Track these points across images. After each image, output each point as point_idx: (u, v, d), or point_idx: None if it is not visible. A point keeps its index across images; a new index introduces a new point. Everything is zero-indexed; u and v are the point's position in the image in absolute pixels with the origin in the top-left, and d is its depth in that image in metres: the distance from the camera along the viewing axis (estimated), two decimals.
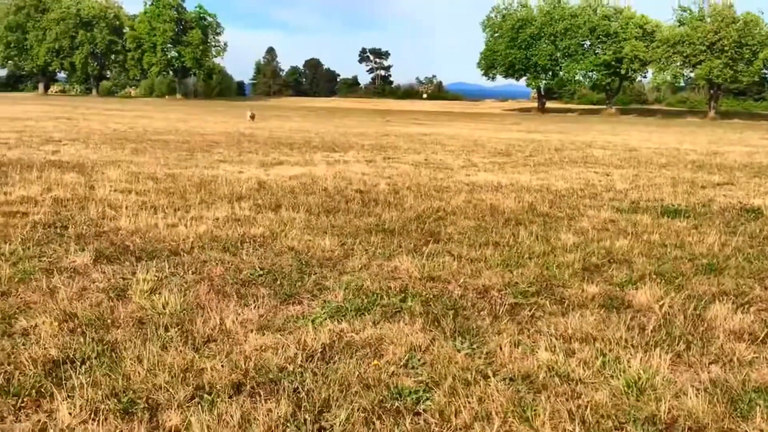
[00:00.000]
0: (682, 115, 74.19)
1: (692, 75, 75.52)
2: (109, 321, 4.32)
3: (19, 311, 4.43)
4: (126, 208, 8.07)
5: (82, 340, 3.96)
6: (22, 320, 4.25)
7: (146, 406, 3.23)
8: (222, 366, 3.66)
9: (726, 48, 69.64)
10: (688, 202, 10.44)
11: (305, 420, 3.15)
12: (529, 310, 4.84)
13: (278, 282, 5.34)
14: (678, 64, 73.60)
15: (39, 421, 3.08)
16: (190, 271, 5.50)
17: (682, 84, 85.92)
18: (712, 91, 74.88)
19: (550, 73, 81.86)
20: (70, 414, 3.11)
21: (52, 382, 3.40)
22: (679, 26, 74.59)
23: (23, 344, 3.88)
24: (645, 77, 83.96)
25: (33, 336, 4.02)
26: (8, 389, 3.33)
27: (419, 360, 3.88)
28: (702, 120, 66.63)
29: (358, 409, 3.25)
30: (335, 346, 4.04)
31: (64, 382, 3.42)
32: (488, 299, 5.08)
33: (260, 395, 3.37)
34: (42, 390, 3.34)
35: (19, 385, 3.37)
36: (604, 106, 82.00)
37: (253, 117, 33.58)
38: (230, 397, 3.35)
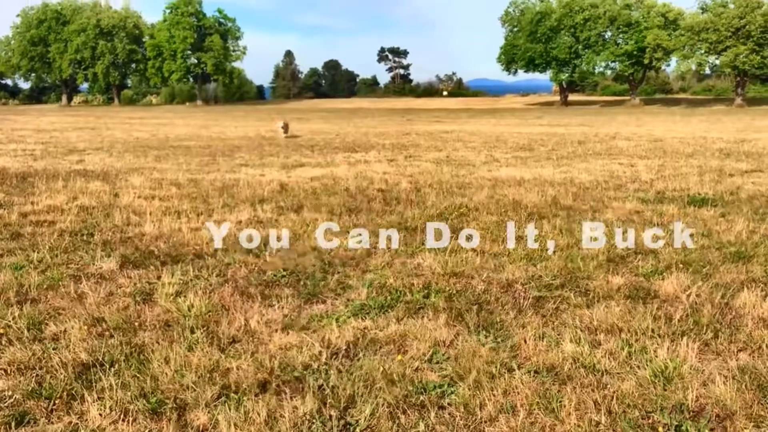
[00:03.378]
0: (709, 104, 73.10)
1: (717, 62, 74.23)
2: (136, 324, 4.39)
3: (48, 317, 4.51)
4: (150, 213, 8.17)
5: (110, 343, 4.02)
6: (52, 326, 4.33)
7: (174, 405, 3.27)
8: (247, 365, 3.70)
9: (752, 34, 68.35)
10: (715, 190, 10.29)
11: (331, 416, 3.17)
12: (554, 303, 4.81)
13: (302, 282, 5.38)
14: (702, 51, 72.45)
15: (70, 422, 3.13)
16: (214, 274, 5.56)
17: (708, 72, 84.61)
18: (738, 78, 73.56)
19: (573, 65, 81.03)
20: (100, 415, 3.17)
21: (82, 385, 3.46)
22: (702, 13, 73.47)
23: (53, 349, 3.95)
24: (669, 66, 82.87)
25: (63, 341, 4.09)
26: (40, 392, 3.39)
27: (443, 355, 3.89)
28: (728, 107, 65.55)
29: (383, 404, 3.26)
30: (359, 343, 4.06)
31: (94, 384, 3.48)
32: (512, 293, 5.07)
33: (286, 393, 3.39)
34: (73, 392, 3.40)
35: (50, 388, 3.43)
36: (628, 97, 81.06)
37: (286, 128, 23.88)
38: (256, 395, 3.38)
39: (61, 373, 3.59)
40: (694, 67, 75.62)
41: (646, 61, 76.81)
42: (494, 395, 3.36)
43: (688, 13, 75.58)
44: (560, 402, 3.28)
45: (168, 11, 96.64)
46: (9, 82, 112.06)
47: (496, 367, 3.68)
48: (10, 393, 3.40)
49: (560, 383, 3.51)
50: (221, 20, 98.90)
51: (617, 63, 79.13)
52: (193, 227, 7.38)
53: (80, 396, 3.36)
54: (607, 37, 79.38)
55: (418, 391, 3.42)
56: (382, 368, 3.65)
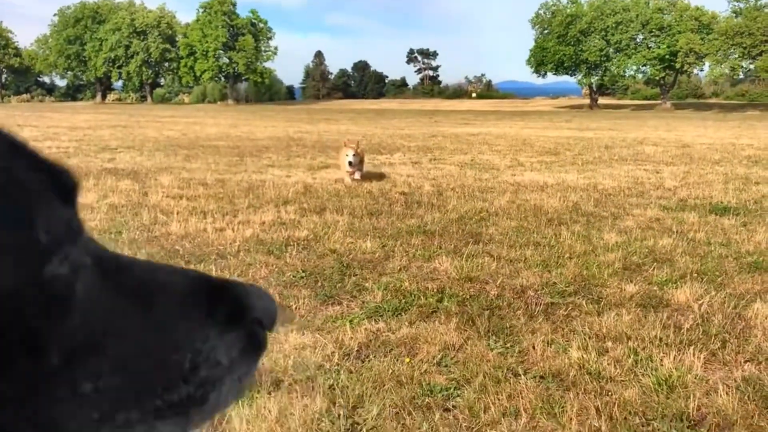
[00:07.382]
0: (742, 109, 71.90)
1: (752, 67, 73.05)
2: None
3: None
4: (177, 213, 8.38)
5: None
6: None
7: None
8: (262, 364, 3.84)
9: None
10: (739, 199, 10.23)
11: (339, 415, 3.30)
12: (565, 310, 4.89)
13: (319, 284, 5.52)
14: (736, 56, 71.40)
15: None
16: (235, 274, 5.73)
17: (741, 76, 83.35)
18: None
19: (603, 68, 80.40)
20: None
21: None
22: (736, 17, 72.36)
23: None
24: (701, 71, 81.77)
25: None
26: None
27: (452, 358, 3.99)
28: (763, 113, 64.38)
29: (389, 405, 3.38)
30: (371, 345, 4.18)
31: None
32: (524, 299, 5.15)
33: (297, 391, 3.53)
34: None
35: None
36: (659, 102, 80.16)
37: (358, 163, 11.48)
38: (269, 393, 3.52)
39: None
40: (727, 72, 74.50)
41: (678, 66, 75.93)
42: (499, 399, 3.46)
43: (722, 17, 74.56)
44: (563, 407, 3.37)
45: (202, 10, 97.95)
46: (46, 79, 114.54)
47: (502, 371, 3.78)
48: None
49: (564, 389, 3.60)
50: (254, 21, 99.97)
51: (648, 67, 78.34)
52: (218, 227, 7.57)
53: None
54: (638, 40, 78.63)
55: (424, 393, 3.54)
56: (391, 370, 3.77)
